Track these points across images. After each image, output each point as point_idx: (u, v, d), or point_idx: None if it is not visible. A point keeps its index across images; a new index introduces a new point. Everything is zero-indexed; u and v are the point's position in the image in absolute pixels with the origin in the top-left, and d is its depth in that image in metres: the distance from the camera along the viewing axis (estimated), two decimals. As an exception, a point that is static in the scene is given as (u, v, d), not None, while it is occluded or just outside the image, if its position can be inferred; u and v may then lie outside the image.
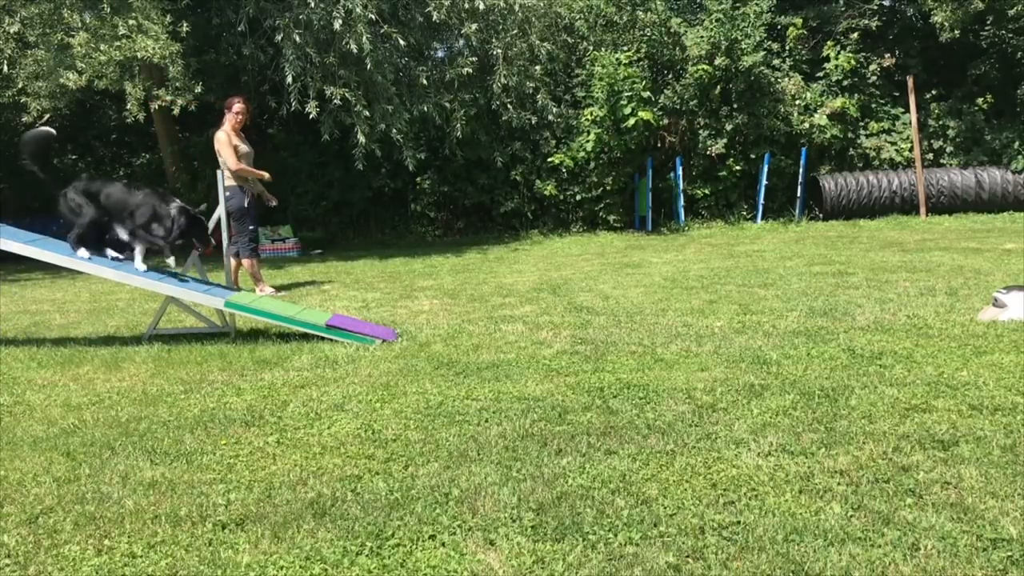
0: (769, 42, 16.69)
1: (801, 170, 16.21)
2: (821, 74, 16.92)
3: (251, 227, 9.42)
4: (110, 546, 2.87)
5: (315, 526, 2.94)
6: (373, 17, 13.58)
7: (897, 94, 17.15)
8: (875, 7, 17.32)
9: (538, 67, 16.27)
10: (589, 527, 2.83)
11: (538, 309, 7.39)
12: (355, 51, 13.37)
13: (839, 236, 13.05)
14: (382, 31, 14.13)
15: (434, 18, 14.25)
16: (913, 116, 15.68)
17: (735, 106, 16.35)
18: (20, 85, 14.25)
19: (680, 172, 16.13)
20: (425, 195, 17.63)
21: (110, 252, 6.50)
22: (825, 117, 16.27)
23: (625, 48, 16.51)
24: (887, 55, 17.13)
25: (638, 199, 16.61)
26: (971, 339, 5.28)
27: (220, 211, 6.87)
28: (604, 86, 15.39)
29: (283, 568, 2.67)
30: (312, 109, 13.87)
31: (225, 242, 7.17)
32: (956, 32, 15.54)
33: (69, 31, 13.46)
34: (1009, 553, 2.55)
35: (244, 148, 9.42)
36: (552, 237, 16.26)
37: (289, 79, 13.63)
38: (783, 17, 17.25)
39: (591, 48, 16.95)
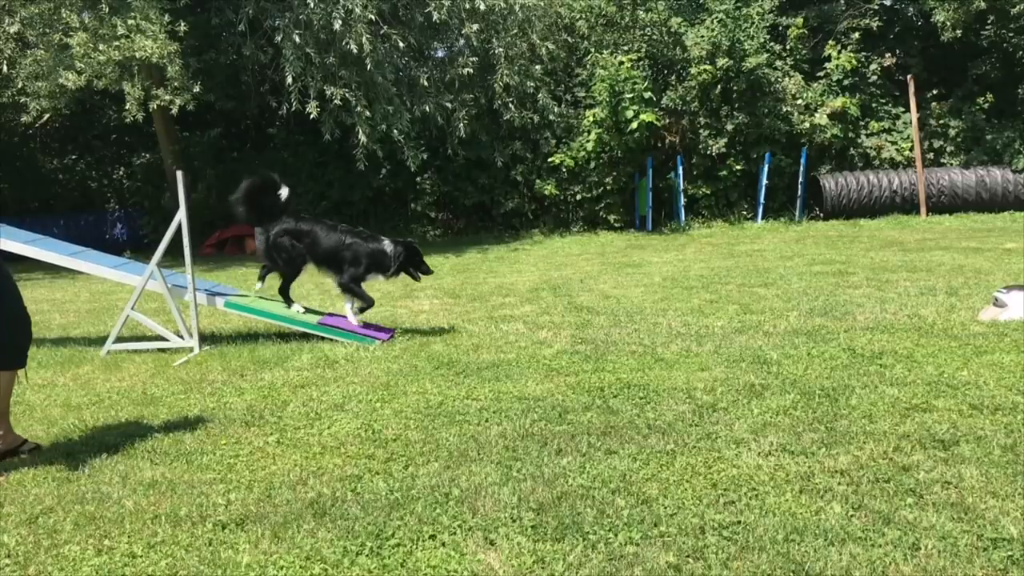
0: (771, 43, 16.69)
1: (801, 170, 16.20)
2: (822, 74, 16.91)
3: None
4: (110, 546, 2.87)
5: (315, 526, 2.94)
6: (373, 17, 13.59)
7: (898, 93, 17.15)
8: (876, 7, 17.32)
9: (539, 67, 16.27)
10: (589, 527, 2.83)
11: (538, 309, 7.39)
12: (355, 51, 13.37)
13: (840, 236, 13.04)
14: (382, 31, 14.13)
15: (434, 18, 14.25)
16: (914, 115, 15.67)
17: (736, 106, 16.35)
18: (20, 85, 14.26)
19: (681, 172, 16.13)
20: (425, 195, 17.63)
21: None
22: (826, 117, 16.26)
23: (626, 48, 16.52)
24: (888, 55, 17.13)
25: (638, 199, 16.61)
26: (972, 339, 5.28)
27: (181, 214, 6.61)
28: (606, 87, 15.40)
29: (283, 568, 2.67)
30: (312, 109, 13.87)
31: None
32: (958, 32, 15.53)
33: (68, 31, 13.47)
34: (1010, 552, 2.55)
35: None
36: (552, 237, 16.25)
37: (289, 79, 13.63)
38: (784, 17, 17.25)
39: (592, 48, 16.95)
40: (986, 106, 16.28)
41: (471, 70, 15.26)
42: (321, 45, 13.83)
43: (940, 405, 3.95)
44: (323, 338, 6.19)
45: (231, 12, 14.64)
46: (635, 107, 15.20)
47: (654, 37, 16.83)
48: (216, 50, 15.47)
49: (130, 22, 12.86)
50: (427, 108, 14.82)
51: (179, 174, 6.18)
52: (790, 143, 16.51)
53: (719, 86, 16.28)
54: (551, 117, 16.46)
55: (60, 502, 3.25)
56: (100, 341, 6.43)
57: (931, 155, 16.56)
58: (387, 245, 6.22)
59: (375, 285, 6.63)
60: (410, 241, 6.41)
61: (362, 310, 6.33)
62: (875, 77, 16.98)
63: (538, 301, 7.83)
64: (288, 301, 6.43)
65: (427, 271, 6.42)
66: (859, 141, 16.82)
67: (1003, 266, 8.62)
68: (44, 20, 13.82)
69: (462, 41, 16.03)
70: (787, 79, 16.73)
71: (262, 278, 6.44)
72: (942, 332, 5.51)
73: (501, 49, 15.15)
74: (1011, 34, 16.31)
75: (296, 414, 4.34)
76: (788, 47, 17.14)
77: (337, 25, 13.30)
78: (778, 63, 16.84)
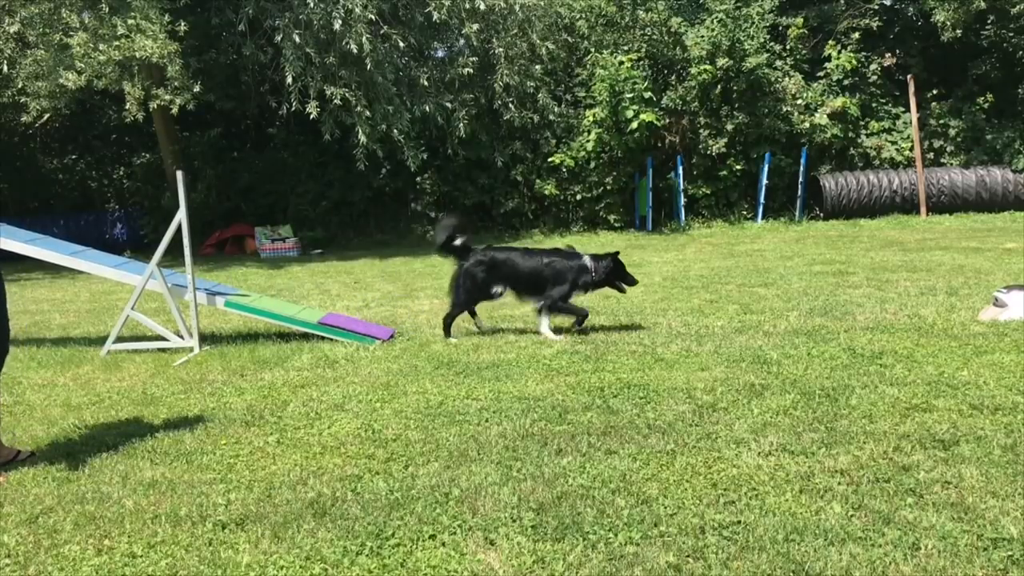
0: (771, 43, 16.70)
1: (801, 169, 16.21)
2: (822, 73, 16.92)
3: None
4: (110, 546, 2.87)
5: (315, 526, 2.94)
6: (373, 17, 13.59)
7: (898, 93, 17.15)
8: (876, 7, 17.33)
9: (539, 67, 16.27)
10: (589, 527, 2.83)
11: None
12: (355, 51, 13.37)
13: (840, 236, 13.04)
14: (382, 31, 14.13)
15: (434, 18, 14.26)
16: (914, 115, 15.67)
17: (736, 106, 16.36)
18: (20, 85, 14.26)
19: (680, 172, 16.13)
20: (425, 195, 17.64)
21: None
22: (826, 116, 16.27)
23: (626, 48, 16.52)
24: (888, 54, 17.13)
25: (638, 198, 16.61)
26: (972, 338, 5.28)
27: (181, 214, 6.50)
28: (606, 87, 15.40)
29: (283, 568, 2.67)
30: (312, 109, 13.87)
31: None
32: (958, 31, 15.52)
33: (68, 31, 13.47)
34: (1010, 552, 2.55)
35: None
36: (552, 237, 16.25)
37: (289, 79, 13.63)
38: (784, 17, 17.25)
39: (592, 48, 16.96)
40: (986, 106, 16.28)
41: (471, 70, 15.26)
42: (321, 45, 13.83)
43: (940, 405, 3.95)
44: (323, 338, 6.19)
45: (231, 12, 14.64)
46: (635, 107, 15.20)
47: (654, 37, 16.83)
48: (216, 50, 15.47)
49: (130, 22, 12.86)
50: (427, 108, 14.82)
51: (179, 174, 6.16)
52: (790, 143, 16.51)
53: (719, 86, 16.28)
54: (551, 117, 16.46)
55: (60, 502, 3.25)
56: (100, 341, 6.43)
57: (931, 155, 16.56)
58: (587, 260, 6.09)
59: (376, 284, 6.63)
60: (614, 253, 6.23)
61: (581, 323, 6.11)
62: (875, 77, 16.99)
63: (538, 301, 7.81)
64: (448, 331, 6.17)
65: (632, 282, 6.30)
66: (859, 141, 16.82)
67: (1003, 266, 8.62)
68: (44, 20, 13.81)
69: (462, 41, 16.04)
70: (787, 79, 16.73)
71: (475, 313, 6.32)
72: (942, 332, 5.51)
73: (501, 49, 15.15)
74: (1011, 34, 16.30)
75: (296, 414, 4.34)
76: (788, 47, 17.15)
77: (337, 25, 13.30)
78: (778, 63, 16.84)
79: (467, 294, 6.14)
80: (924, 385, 4.28)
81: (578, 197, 16.82)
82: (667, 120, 16.51)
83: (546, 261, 6.07)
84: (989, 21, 16.30)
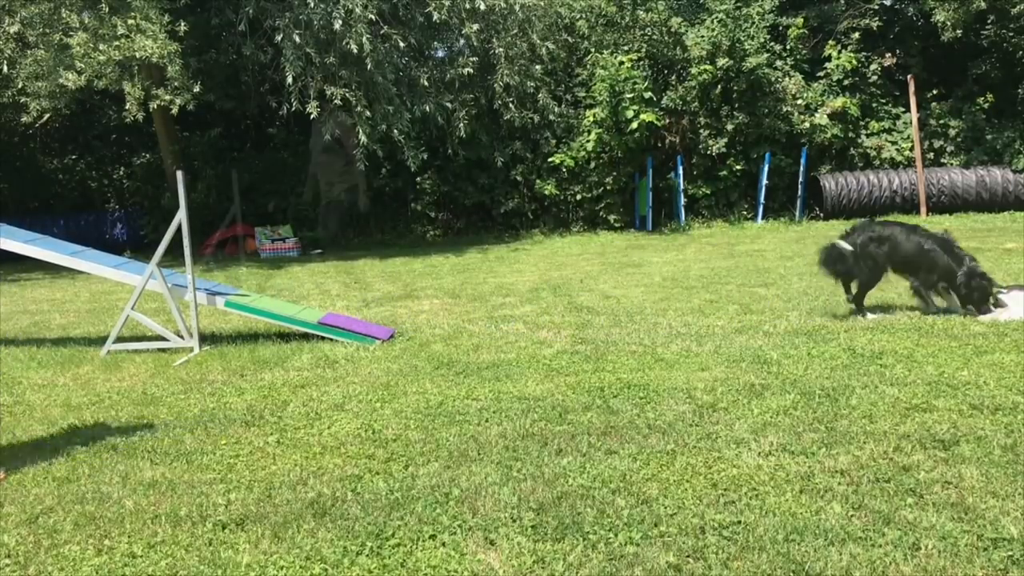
0: (771, 43, 16.70)
1: (802, 169, 16.20)
2: (822, 74, 16.92)
3: None
4: (110, 546, 2.87)
5: (315, 526, 2.94)
6: (373, 17, 13.58)
7: (898, 93, 17.15)
8: (876, 7, 17.33)
9: (539, 67, 16.27)
10: (589, 527, 2.83)
11: (538, 309, 7.39)
12: (355, 51, 13.37)
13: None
14: (382, 31, 14.13)
15: (434, 18, 14.25)
16: (914, 115, 15.67)
17: (736, 106, 16.36)
18: (20, 85, 14.25)
19: (680, 171, 16.13)
20: (425, 195, 17.64)
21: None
22: (826, 116, 16.26)
23: (626, 48, 16.53)
24: (888, 55, 17.14)
25: (638, 198, 16.61)
26: (972, 338, 5.28)
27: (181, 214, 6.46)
28: (606, 87, 15.40)
29: (283, 568, 2.67)
30: (312, 109, 13.86)
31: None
32: (958, 32, 15.53)
33: (68, 31, 13.46)
34: (1010, 552, 2.55)
35: None
36: (552, 237, 16.25)
37: (289, 79, 13.62)
38: (784, 17, 17.25)
39: (592, 48, 16.97)
40: (986, 106, 16.28)
41: (471, 70, 15.25)
42: (321, 45, 13.82)
43: (940, 405, 3.95)
44: (323, 338, 6.18)
45: (231, 12, 14.63)
46: (635, 107, 15.21)
47: (654, 37, 16.84)
48: (216, 50, 15.46)
49: (130, 22, 12.85)
50: (427, 108, 14.82)
51: (179, 174, 6.16)
52: (790, 143, 16.51)
53: (719, 86, 16.28)
54: (551, 117, 16.46)
55: (60, 502, 3.25)
56: (100, 341, 6.43)
57: (931, 155, 16.56)
58: (962, 268, 5.93)
59: (376, 284, 6.63)
60: (985, 279, 5.95)
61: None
62: (875, 77, 16.99)
63: (538, 301, 7.82)
64: (862, 311, 6.15)
65: (986, 311, 5.93)
66: (859, 141, 16.82)
67: (1003, 266, 8.61)
68: (44, 20, 13.80)
69: (462, 41, 16.03)
70: (787, 79, 16.73)
71: (850, 292, 6.18)
72: (942, 332, 5.51)
73: (501, 49, 15.14)
74: (1011, 34, 16.30)
75: (296, 414, 4.34)
76: (788, 47, 17.15)
77: (337, 25, 13.29)
78: (778, 63, 16.84)
79: (871, 272, 6.08)
80: (924, 385, 4.28)
81: (578, 197, 16.83)
82: (667, 120, 16.51)
83: (927, 247, 6.01)
84: (989, 21, 16.30)
